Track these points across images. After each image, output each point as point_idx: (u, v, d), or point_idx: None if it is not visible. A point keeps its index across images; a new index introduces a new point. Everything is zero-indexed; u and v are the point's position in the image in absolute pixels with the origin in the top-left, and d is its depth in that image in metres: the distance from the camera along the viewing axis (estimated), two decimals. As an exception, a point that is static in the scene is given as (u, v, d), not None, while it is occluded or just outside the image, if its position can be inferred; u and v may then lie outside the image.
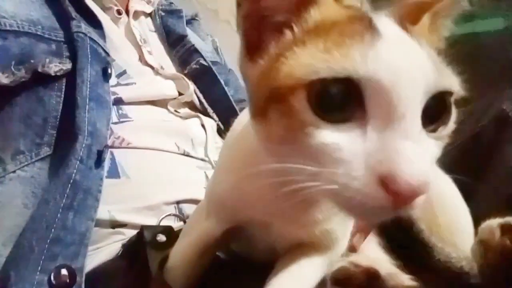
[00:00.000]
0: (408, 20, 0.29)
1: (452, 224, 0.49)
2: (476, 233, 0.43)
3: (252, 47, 0.30)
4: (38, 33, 0.68)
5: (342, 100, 0.24)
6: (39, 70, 0.65)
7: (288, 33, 0.28)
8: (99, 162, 0.63)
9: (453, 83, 0.26)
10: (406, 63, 0.23)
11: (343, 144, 0.23)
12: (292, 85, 0.24)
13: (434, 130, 0.26)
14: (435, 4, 0.31)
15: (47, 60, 0.66)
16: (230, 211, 0.45)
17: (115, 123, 0.70)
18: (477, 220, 0.47)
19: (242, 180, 0.41)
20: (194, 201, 0.67)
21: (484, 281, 0.40)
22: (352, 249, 0.48)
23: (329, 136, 0.23)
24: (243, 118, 0.45)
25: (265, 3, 0.29)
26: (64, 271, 0.55)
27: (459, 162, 0.58)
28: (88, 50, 0.69)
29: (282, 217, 0.41)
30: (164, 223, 0.64)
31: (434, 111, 0.25)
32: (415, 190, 0.21)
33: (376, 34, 0.24)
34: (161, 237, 0.55)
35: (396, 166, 0.21)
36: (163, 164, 0.71)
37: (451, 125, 0.27)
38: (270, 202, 0.39)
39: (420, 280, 0.41)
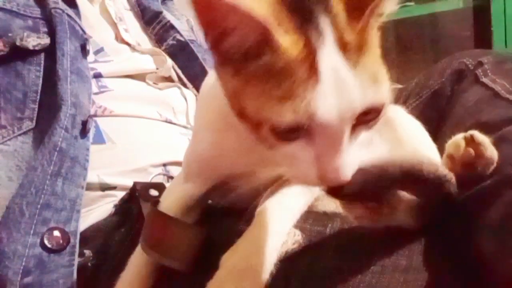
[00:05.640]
0: (350, 18, 0.31)
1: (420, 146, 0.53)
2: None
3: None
4: (14, 9, 0.69)
5: (294, 130, 0.32)
6: (18, 43, 0.66)
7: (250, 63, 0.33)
8: (84, 132, 0.64)
9: (382, 95, 0.33)
10: (338, 107, 0.31)
11: (297, 154, 0.33)
12: (259, 122, 0.33)
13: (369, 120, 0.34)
14: None
15: (25, 34, 0.67)
16: (212, 168, 0.47)
17: (96, 93, 0.72)
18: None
19: (221, 136, 0.44)
20: (180, 164, 0.69)
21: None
22: None
23: (288, 150, 0.33)
24: (211, 79, 0.46)
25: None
26: (56, 233, 0.56)
27: (423, 116, 0.63)
28: (67, 25, 0.70)
29: (263, 162, 0.44)
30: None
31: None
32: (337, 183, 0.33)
33: (317, 79, 0.31)
34: (153, 192, 0.57)
35: (326, 174, 0.33)
36: (146, 130, 0.72)
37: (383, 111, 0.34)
38: (250, 151, 0.42)
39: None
